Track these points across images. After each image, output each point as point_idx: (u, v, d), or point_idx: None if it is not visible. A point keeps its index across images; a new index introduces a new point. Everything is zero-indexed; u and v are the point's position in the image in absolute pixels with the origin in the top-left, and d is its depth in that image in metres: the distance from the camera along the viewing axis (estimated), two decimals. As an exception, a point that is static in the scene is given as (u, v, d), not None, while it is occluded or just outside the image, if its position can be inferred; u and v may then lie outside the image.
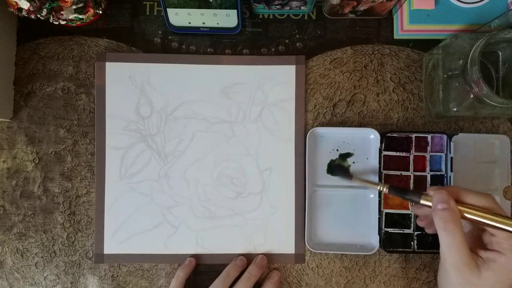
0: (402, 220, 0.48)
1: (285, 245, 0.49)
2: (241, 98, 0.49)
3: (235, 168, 0.49)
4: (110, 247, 0.48)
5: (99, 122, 0.49)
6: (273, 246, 0.49)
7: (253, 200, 0.49)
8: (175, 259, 0.48)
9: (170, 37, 0.50)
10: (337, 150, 0.49)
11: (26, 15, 0.44)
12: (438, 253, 0.47)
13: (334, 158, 0.49)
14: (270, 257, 0.49)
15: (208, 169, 0.49)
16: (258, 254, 0.48)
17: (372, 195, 0.48)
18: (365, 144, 0.49)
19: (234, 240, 0.49)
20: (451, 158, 0.47)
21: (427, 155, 0.48)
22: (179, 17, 0.47)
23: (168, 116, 0.49)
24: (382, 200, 0.48)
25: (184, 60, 0.49)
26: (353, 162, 0.49)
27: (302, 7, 0.48)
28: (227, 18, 0.47)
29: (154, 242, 0.48)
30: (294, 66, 0.49)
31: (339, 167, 0.48)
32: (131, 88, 0.49)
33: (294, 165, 0.49)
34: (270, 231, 0.49)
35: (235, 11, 0.46)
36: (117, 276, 0.49)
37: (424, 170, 0.48)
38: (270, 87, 0.49)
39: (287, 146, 0.49)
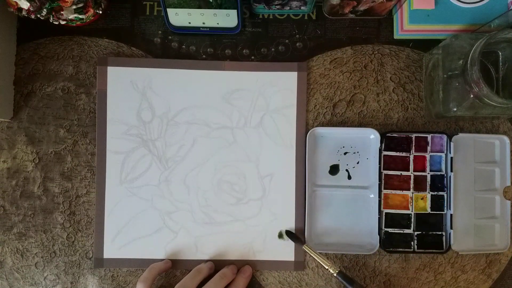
0: (402, 220, 0.48)
1: (285, 252, 0.48)
2: (242, 104, 0.49)
3: (235, 174, 0.49)
4: (110, 251, 0.48)
5: (100, 126, 0.49)
6: (272, 252, 0.48)
7: (253, 207, 0.49)
8: (175, 265, 0.48)
9: (170, 37, 0.50)
10: (341, 151, 0.49)
11: (26, 15, 0.44)
12: (438, 253, 0.48)
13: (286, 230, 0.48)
14: (269, 264, 0.48)
15: (208, 175, 0.49)
16: (258, 260, 0.48)
17: (372, 195, 0.48)
18: (365, 144, 0.49)
19: (233, 246, 0.48)
20: (451, 158, 0.47)
21: (427, 155, 0.48)
22: (179, 17, 0.47)
23: (169, 121, 0.49)
24: (382, 200, 0.48)
25: (186, 65, 0.49)
26: (357, 163, 0.49)
27: (302, 7, 0.48)
28: (227, 18, 0.47)
29: (154, 247, 0.48)
30: (296, 73, 0.49)
31: (290, 233, 0.48)
32: (133, 92, 0.49)
33: (294, 171, 0.49)
34: (270, 238, 0.49)
35: (235, 11, 0.46)
36: (117, 276, 0.49)
37: (424, 170, 0.48)
38: (271, 93, 0.49)
39: (288, 152, 0.49)
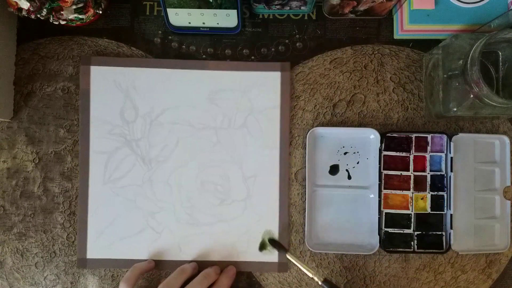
0: (402, 220, 0.48)
1: (268, 253, 0.48)
2: (226, 105, 0.49)
3: (219, 175, 0.49)
4: (93, 252, 0.48)
5: (83, 126, 0.48)
6: (256, 253, 0.48)
7: (237, 207, 0.49)
8: (158, 266, 0.48)
9: (170, 37, 0.50)
10: (341, 151, 0.49)
11: (26, 15, 0.44)
12: (438, 253, 0.48)
13: (270, 238, 0.48)
14: (253, 265, 0.48)
15: (192, 175, 0.49)
16: (241, 261, 0.48)
17: (372, 195, 0.48)
18: (365, 144, 0.49)
19: (217, 247, 0.48)
20: (451, 158, 0.47)
21: (427, 155, 0.48)
22: (179, 17, 0.47)
23: (153, 121, 0.49)
24: (382, 200, 0.48)
25: (169, 65, 0.49)
26: (357, 163, 0.49)
27: (302, 7, 0.48)
28: (227, 18, 0.47)
29: (137, 247, 0.48)
30: (279, 73, 0.49)
31: (273, 241, 0.48)
32: (116, 92, 0.49)
33: (278, 172, 0.48)
34: (254, 239, 0.48)
35: (235, 11, 0.46)
36: (117, 276, 0.49)
37: (424, 170, 0.48)
38: (255, 94, 0.49)
39: (272, 153, 0.49)
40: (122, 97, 0.49)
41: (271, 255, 0.48)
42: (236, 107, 0.49)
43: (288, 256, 0.46)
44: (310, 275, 0.44)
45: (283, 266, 0.48)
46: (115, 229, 0.48)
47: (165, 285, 0.43)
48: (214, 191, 0.49)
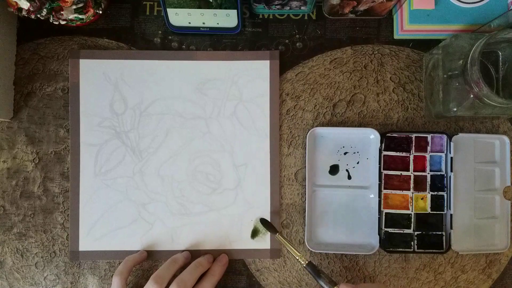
0: (402, 220, 0.48)
1: (261, 240, 0.49)
2: (215, 94, 0.49)
3: (210, 164, 0.49)
4: (86, 244, 0.48)
5: (73, 119, 0.49)
6: (248, 241, 0.49)
7: (228, 196, 0.49)
8: (151, 256, 0.48)
9: (170, 37, 0.50)
10: (341, 151, 0.49)
11: (26, 15, 0.44)
12: (438, 253, 0.48)
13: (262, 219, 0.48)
14: (245, 253, 0.49)
15: (183, 166, 0.49)
16: (234, 249, 0.48)
17: (372, 195, 0.48)
18: (365, 144, 0.49)
19: (209, 236, 0.49)
20: (451, 158, 0.47)
21: (427, 155, 0.48)
22: (179, 17, 0.47)
23: (142, 113, 0.49)
24: (382, 200, 0.48)
25: (157, 56, 0.49)
26: (357, 163, 0.49)
27: (302, 7, 0.48)
28: (227, 18, 0.47)
29: (130, 239, 0.48)
30: (268, 61, 0.49)
31: (265, 221, 0.48)
32: (105, 84, 0.49)
33: (269, 160, 0.49)
34: (245, 227, 0.49)
35: (235, 11, 0.46)
36: (117, 276, 0.49)
37: (424, 170, 0.48)
38: (244, 82, 0.49)
39: (262, 141, 0.49)
40: (111, 89, 0.49)
41: (264, 242, 0.48)
42: (225, 96, 0.49)
43: (278, 237, 0.46)
44: (297, 258, 0.44)
45: (276, 252, 0.48)
46: (107, 220, 0.48)
47: (156, 275, 0.43)
48: (205, 181, 0.49)
